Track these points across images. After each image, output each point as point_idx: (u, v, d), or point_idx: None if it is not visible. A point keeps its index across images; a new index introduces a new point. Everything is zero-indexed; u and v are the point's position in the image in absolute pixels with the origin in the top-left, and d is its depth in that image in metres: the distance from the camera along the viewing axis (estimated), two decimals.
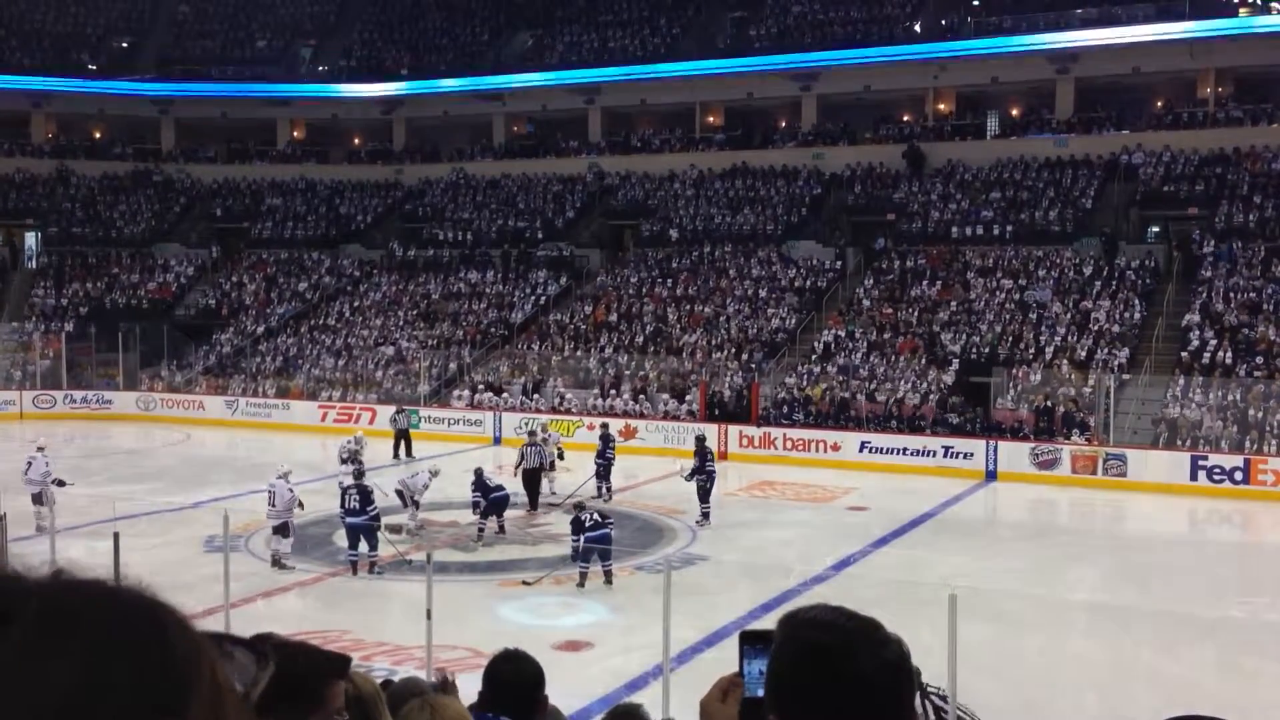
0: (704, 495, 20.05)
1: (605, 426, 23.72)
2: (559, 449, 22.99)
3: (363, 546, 16.42)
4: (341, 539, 17.18)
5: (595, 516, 15.73)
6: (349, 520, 16.43)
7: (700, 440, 21.17)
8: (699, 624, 13.31)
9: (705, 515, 19.92)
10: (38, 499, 18.49)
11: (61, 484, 18.78)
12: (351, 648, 12.65)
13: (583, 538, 15.40)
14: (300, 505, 16.93)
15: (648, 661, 11.72)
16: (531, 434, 22.07)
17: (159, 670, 0.84)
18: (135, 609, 0.86)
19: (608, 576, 15.52)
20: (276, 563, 16.64)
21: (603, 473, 22.23)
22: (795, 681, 1.45)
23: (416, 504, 18.87)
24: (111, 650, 0.82)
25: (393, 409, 28.92)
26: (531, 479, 21.06)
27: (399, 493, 18.95)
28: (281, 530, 16.68)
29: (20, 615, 0.82)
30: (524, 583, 15.87)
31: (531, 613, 14.80)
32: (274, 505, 16.74)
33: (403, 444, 27.14)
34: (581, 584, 15.47)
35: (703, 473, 20.11)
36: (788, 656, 1.47)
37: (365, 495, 16.46)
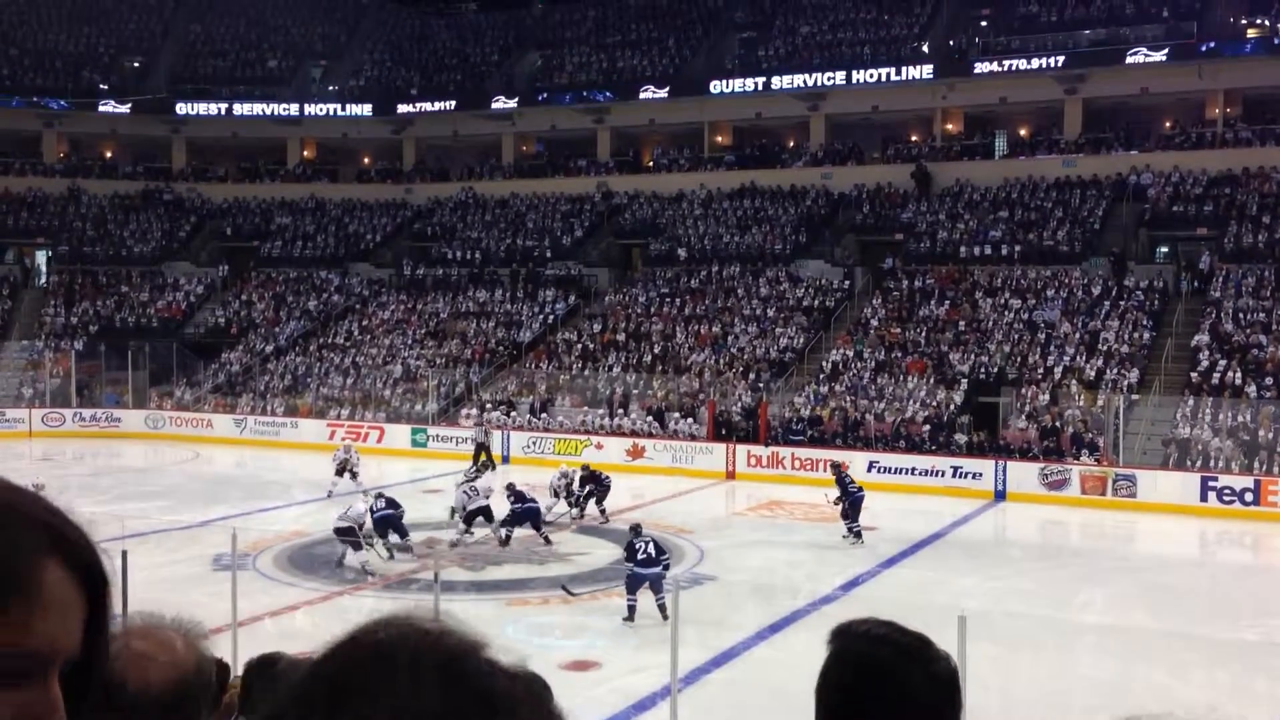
0: (852, 514, 20.15)
1: (567, 474, 22.22)
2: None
3: (393, 536, 17.94)
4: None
5: (650, 550, 14.79)
6: (377, 514, 17.84)
7: (835, 466, 21.40)
8: (707, 644, 13.26)
9: (857, 534, 20.05)
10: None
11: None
12: None
13: (633, 568, 14.76)
14: (359, 526, 17.42)
15: (656, 682, 11.67)
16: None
17: None
18: None
19: (663, 611, 14.19)
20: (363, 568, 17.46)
21: (588, 499, 21.72)
22: (845, 693, 1.48)
23: (465, 519, 19.17)
24: None
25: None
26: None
27: (452, 510, 19.27)
28: (351, 543, 17.39)
29: None
30: (569, 593, 15.92)
31: (539, 632, 14.78)
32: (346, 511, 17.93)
33: (482, 454, 26.94)
34: (630, 618, 14.68)
35: (847, 497, 20.26)
36: (839, 668, 1.50)
37: (390, 500, 18.24)
